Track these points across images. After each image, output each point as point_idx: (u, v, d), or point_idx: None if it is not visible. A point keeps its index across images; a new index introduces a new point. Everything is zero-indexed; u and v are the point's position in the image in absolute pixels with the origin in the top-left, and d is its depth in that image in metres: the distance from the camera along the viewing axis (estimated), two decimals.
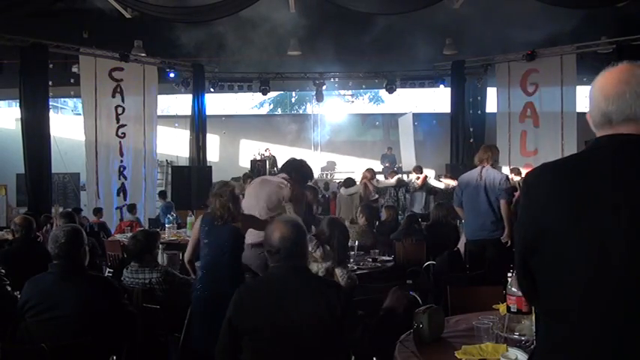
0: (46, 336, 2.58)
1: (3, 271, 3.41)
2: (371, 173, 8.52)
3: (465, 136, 11.84)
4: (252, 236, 3.73)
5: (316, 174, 15.40)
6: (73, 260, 2.79)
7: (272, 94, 17.83)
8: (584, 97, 10.17)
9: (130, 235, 7.29)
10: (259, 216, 3.93)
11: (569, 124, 10.38)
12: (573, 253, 1.15)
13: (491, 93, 12.25)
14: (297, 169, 4.52)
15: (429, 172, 10.90)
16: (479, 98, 12.48)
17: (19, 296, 2.97)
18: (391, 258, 5.13)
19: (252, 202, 4.19)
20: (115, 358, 2.80)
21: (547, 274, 1.22)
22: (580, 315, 1.15)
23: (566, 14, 9.19)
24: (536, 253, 1.24)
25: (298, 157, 4.77)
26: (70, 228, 2.92)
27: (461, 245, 5.37)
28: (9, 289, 3.34)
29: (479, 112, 12.40)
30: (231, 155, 17.53)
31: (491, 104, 12.36)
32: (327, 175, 16.54)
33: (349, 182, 8.66)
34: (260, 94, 13.42)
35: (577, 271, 1.15)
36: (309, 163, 4.69)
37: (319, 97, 13.23)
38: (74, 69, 10.97)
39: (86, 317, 2.67)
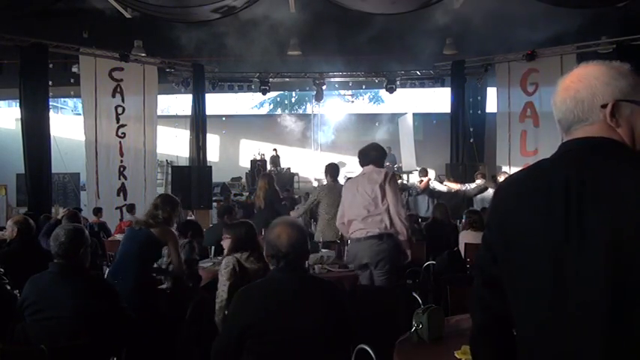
0: (42, 336, 2.56)
1: (2, 270, 3.40)
2: None
3: (465, 136, 11.81)
4: (367, 227, 3.76)
5: (316, 174, 15.41)
6: (72, 260, 2.76)
7: (272, 94, 17.84)
8: None
9: None
10: (366, 210, 3.83)
11: None
12: (528, 263, 1.14)
13: (492, 93, 12.25)
14: (382, 152, 4.07)
15: (430, 173, 10.86)
16: (479, 98, 12.48)
17: (19, 295, 2.97)
18: None
19: (359, 200, 3.91)
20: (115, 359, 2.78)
21: (507, 283, 1.22)
22: (530, 318, 1.15)
23: (566, 14, 9.18)
24: (496, 262, 1.24)
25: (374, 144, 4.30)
26: (72, 227, 2.89)
27: (461, 245, 5.38)
28: (8, 287, 3.34)
29: (479, 112, 12.38)
30: (231, 155, 17.56)
31: (492, 104, 12.36)
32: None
33: None
34: (260, 94, 13.42)
35: (531, 285, 1.13)
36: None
37: (318, 97, 13.20)
38: (74, 69, 10.96)
39: (82, 318, 2.64)
